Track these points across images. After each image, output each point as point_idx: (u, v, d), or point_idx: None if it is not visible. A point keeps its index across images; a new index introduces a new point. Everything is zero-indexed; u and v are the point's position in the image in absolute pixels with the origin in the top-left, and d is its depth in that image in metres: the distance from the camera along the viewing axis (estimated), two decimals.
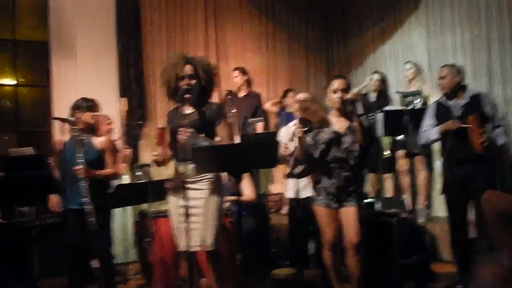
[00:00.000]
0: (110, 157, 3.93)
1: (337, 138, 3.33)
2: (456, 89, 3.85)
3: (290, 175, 3.61)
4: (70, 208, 3.72)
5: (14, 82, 5.60)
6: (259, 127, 5.94)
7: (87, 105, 3.82)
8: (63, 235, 3.90)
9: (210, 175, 3.13)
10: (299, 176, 3.56)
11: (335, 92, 3.37)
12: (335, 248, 3.43)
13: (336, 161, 3.33)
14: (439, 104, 3.97)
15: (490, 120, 3.74)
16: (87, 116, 3.80)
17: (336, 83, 3.38)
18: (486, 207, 1.49)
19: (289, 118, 5.61)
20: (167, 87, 3.20)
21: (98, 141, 3.88)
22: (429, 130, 3.93)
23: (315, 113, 3.34)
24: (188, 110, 3.20)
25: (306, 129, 3.28)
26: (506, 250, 1.34)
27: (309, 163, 3.41)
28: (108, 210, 3.91)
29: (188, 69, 3.15)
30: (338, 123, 3.39)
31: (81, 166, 3.60)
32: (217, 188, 3.17)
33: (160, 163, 3.21)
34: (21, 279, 3.98)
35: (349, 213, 3.31)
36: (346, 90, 3.39)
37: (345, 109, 3.35)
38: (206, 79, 3.19)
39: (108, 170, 3.89)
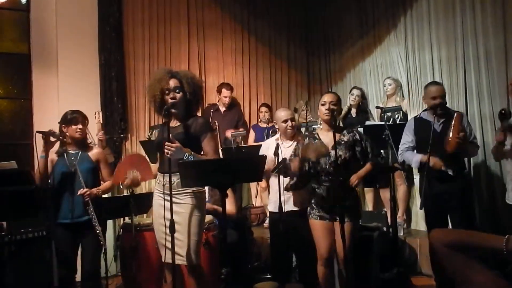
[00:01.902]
0: (105, 168, 3.88)
1: (327, 151, 3.39)
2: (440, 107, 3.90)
3: (288, 189, 3.63)
4: (60, 222, 3.64)
5: None
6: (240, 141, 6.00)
7: (71, 117, 3.73)
8: (44, 250, 3.82)
9: (191, 189, 3.12)
10: (293, 188, 3.59)
11: (323, 105, 3.49)
12: (328, 263, 3.43)
13: (327, 173, 3.39)
14: (418, 120, 4.03)
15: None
16: (72, 130, 3.72)
17: (326, 97, 3.54)
18: (435, 245, 1.52)
19: (268, 131, 5.72)
20: (153, 102, 3.22)
21: (92, 153, 3.82)
22: (410, 154, 3.97)
23: (316, 149, 3.38)
24: (174, 123, 3.22)
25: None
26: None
27: (301, 175, 3.45)
28: (105, 223, 3.88)
29: (173, 82, 3.17)
30: (326, 137, 3.47)
31: (86, 190, 3.59)
32: (198, 202, 3.15)
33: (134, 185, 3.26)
34: None
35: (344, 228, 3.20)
36: (335, 104, 3.50)
37: (333, 122, 3.42)
38: (191, 92, 3.21)
39: (106, 184, 3.84)
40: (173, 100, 3.14)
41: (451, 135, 3.65)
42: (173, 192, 3.01)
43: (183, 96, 3.19)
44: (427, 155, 3.70)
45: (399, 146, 4.09)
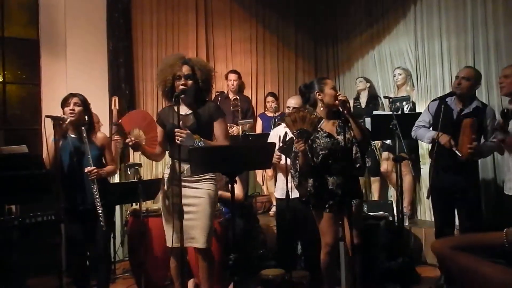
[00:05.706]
0: (109, 153, 3.85)
1: (334, 140, 3.34)
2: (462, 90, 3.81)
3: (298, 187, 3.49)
4: (70, 208, 3.55)
5: (1, 79, 5.51)
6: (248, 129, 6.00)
7: (63, 99, 3.60)
8: (53, 234, 3.84)
9: (209, 175, 3.21)
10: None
11: (333, 88, 3.37)
12: (333, 251, 3.40)
13: (337, 163, 3.31)
14: (443, 102, 3.84)
15: (485, 133, 3.78)
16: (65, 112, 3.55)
17: (331, 82, 3.43)
18: (439, 252, 1.53)
19: (275, 120, 5.73)
20: (163, 87, 3.25)
21: (97, 138, 3.75)
22: (424, 131, 3.95)
23: (304, 118, 3.17)
24: (185, 110, 3.24)
25: (305, 138, 3.17)
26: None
27: (308, 169, 3.34)
28: (113, 208, 3.89)
29: (185, 69, 3.21)
30: (327, 126, 3.39)
31: (93, 168, 3.49)
32: (214, 188, 3.26)
33: (136, 147, 3.27)
34: (6, 278, 3.92)
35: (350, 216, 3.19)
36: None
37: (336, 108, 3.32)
38: (203, 79, 3.26)
39: (109, 167, 3.78)
40: (184, 87, 3.17)
41: (462, 146, 3.58)
42: (191, 179, 3.15)
43: (194, 84, 3.23)
44: (440, 136, 3.67)
45: (415, 122, 4.05)
